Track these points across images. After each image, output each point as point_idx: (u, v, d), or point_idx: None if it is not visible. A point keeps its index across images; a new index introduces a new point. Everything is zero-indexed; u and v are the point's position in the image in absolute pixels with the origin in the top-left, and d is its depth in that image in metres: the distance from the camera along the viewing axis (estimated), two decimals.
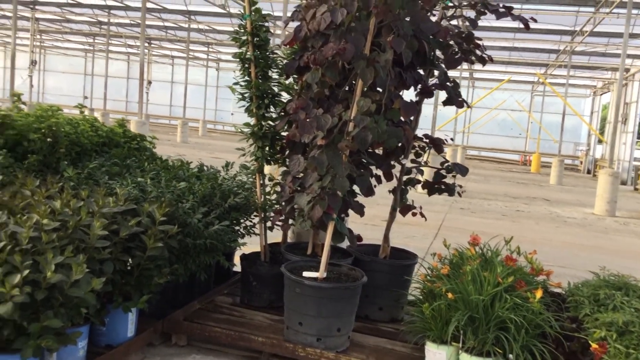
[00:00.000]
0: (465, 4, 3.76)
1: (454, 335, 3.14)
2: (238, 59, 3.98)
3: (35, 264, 2.50)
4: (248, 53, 3.94)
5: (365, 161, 3.73)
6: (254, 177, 4.24)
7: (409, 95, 3.91)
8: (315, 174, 3.48)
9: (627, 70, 25.18)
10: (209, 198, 3.86)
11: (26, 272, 2.41)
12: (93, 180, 3.68)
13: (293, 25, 3.95)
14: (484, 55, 3.83)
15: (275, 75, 4.10)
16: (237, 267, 4.56)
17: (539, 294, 3.09)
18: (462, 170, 3.77)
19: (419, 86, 3.70)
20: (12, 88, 16.54)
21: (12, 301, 2.34)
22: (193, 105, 36.25)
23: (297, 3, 3.98)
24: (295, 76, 4.20)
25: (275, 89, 4.09)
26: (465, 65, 20.82)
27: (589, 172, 31.67)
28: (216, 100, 43.10)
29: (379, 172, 4.02)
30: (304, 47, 3.87)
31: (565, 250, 8.72)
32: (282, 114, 4.15)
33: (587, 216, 13.25)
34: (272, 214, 4.12)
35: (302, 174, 3.59)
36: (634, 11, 15.83)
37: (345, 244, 3.99)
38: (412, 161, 4.16)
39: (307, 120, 3.15)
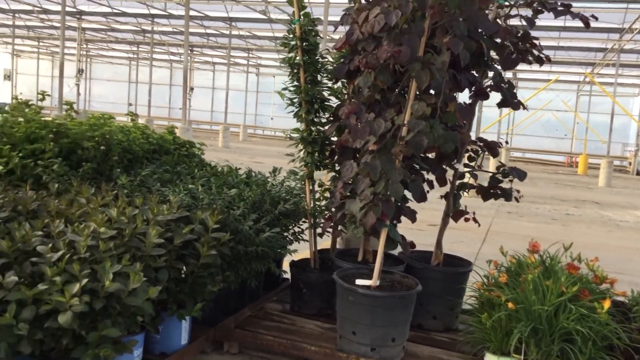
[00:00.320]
0: (521, 2, 3.63)
1: (515, 347, 3.02)
2: (287, 64, 3.94)
3: (93, 273, 2.50)
4: (297, 58, 3.90)
5: (417, 166, 3.64)
6: (302, 183, 4.20)
7: (461, 97, 3.81)
8: (367, 180, 3.41)
9: None
10: (258, 204, 3.83)
11: (85, 281, 2.41)
12: (145, 187, 3.70)
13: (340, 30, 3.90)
14: (541, 55, 3.69)
15: (324, 80, 4.05)
16: (285, 274, 4.53)
17: (607, 304, 2.95)
18: (520, 174, 3.64)
19: (474, 88, 3.59)
20: (61, 96, 16.99)
21: (72, 310, 2.35)
22: (233, 110, 36.60)
23: (339, 6, 3.93)
24: (343, 80, 4.16)
25: (325, 93, 4.04)
26: None
27: (638, 173, 30.62)
28: (256, 105, 43.44)
29: (430, 177, 3.93)
30: (354, 50, 3.81)
31: (621, 255, 8.40)
32: (331, 118, 4.10)
33: (639, 219, 12.78)
34: (322, 221, 4.06)
35: (352, 180, 3.52)
36: None
37: (396, 250, 3.91)
38: (465, 165, 4.05)
39: (360, 125, 3.08)
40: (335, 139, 4.14)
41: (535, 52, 3.70)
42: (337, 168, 4.25)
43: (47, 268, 2.44)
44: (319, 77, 3.97)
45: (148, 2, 21.99)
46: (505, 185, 3.87)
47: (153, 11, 24.54)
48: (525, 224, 10.63)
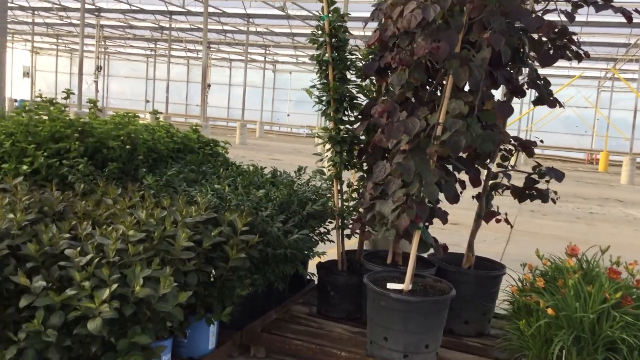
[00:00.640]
0: None
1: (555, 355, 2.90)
2: (315, 61, 3.84)
3: (123, 278, 2.42)
4: (326, 55, 3.80)
5: (450, 166, 3.53)
6: (329, 182, 4.10)
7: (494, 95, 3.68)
8: (398, 181, 3.31)
9: None
10: (286, 205, 3.74)
11: (114, 286, 2.33)
12: (171, 187, 3.62)
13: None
14: (580, 51, 3.55)
15: (352, 77, 3.94)
16: (311, 275, 4.44)
17: None
18: (558, 175, 3.50)
19: (510, 85, 3.46)
20: (80, 93, 17.05)
21: (101, 317, 2.28)
22: (250, 107, 36.58)
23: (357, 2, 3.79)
24: (372, 77, 4.05)
25: (353, 91, 3.93)
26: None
27: None
28: (272, 101, 43.42)
29: (460, 176, 3.81)
30: (385, 47, 3.70)
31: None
32: (360, 117, 3.99)
33: None
34: (351, 222, 3.96)
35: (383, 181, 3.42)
36: None
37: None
38: (498, 165, 3.92)
39: (394, 124, 2.97)
40: (362, 137, 4.04)
41: (574, 48, 3.56)
42: (365, 168, 4.15)
43: (76, 272, 2.37)
44: (347, 75, 3.86)
45: None
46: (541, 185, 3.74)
47: (171, 8, 24.54)
48: (549, 223, 10.44)
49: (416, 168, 3.07)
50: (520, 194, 3.73)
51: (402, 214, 3.16)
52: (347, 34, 3.80)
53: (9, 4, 22.96)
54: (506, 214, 4.07)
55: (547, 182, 3.68)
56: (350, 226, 3.97)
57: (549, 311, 2.99)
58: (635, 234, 10.20)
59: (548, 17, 3.48)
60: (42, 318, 2.28)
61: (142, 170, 3.76)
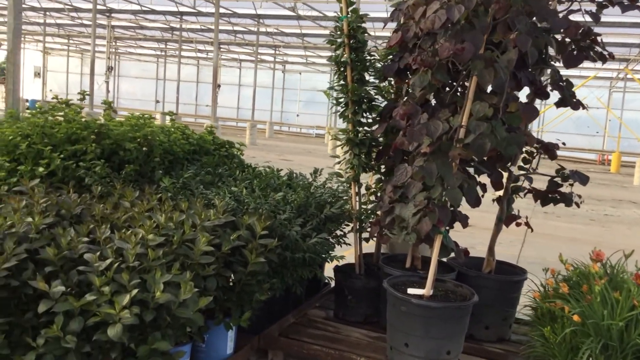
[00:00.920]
0: None
1: None
2: (333, 62, 3.79)
3: (143, 283, 2.38)
4: (344, 56, 3.74)
5: (471, 169, 3.46)
6: (346, 185, 4.04)
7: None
8: (418, 184, 3.25)
9: None
10: (303, 208, 3.69)
11: (135, 292, 2.29)
12: (188, 190, 3.58)
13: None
14: (604, 52, 3.48)
15: (370, 79, 3.89)
16: (328, 279, 4.39)
17: None
18: (582, 178, 3.43)
19: (533, 87, 3.39)
20: (92, 94, 17.08)
21: (121, 323, 2.23)
22: (259, 107, 36.59)
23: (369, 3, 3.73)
24: (390, 79, 3.99)
25: (371, 92, 3.87)
26: None
27: None
28: (282, 102, 43.41)
29: (480, 180, 3.74)
30: (404, 48, 3.65)
31: None
32: (378, 119, 3.93)
33: None
34: (369, 225, 3.90)
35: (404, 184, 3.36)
36: None
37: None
38: (519, 168, 3.85)
39: (416, 127, 2.91)
40: (380, 139, 3.99)
41: (598, 49, 3.49)
42: (383, 170, 4.09)
43: (96, 277, 2.33)
44: (366, 76, 3.81)
45: None
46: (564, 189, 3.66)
47: (182, 9, 24.58)
48: (564, 225, 10.34)
49: (438, 171, 3.01)
50: (543, 198, 3.66)
51: (423, 218, 3.10)
52: (366, 34, 3.74)
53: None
54: (527, 217, 4.01)
55: (571, 185, 3.61)
56: (368, 229, 3.91)
57: (575, 318, 2.92)
58: None
59: (571, 17, 3.41)
60: (62, 324, 2.24)
61: (159, 173, 3.72)
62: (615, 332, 2.79)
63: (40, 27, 33.02)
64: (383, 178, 4.12)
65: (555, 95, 3.70)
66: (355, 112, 3.79)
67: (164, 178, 3.52)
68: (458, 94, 3.05)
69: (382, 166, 4.07)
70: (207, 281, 2.74)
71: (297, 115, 42.99)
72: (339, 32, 3.75)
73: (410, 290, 3.27)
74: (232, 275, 2.98)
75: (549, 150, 3.65)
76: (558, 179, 3.62)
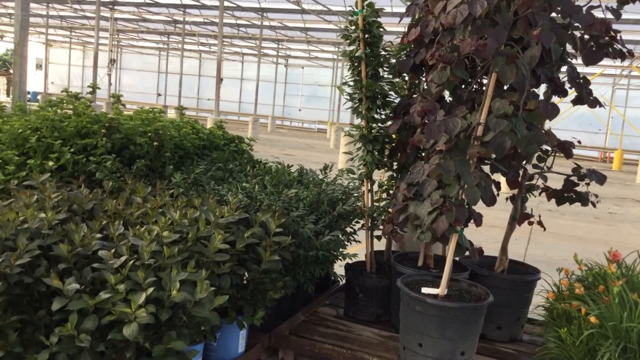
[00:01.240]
0: None
1: None
2: (347, 57, 3.73)
3: (158, 281, 2.34)
4: (359, 51, 3.69)
5: (486, 167, 3.41)
6: (360, 182, 3.99)
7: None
8: (434, 182, 3.20)
9: None
10: (315, 205, 3.65)
11: (150, 290, 2.25)
12: (200, 185, 3.54)
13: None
14: (624, 49, 3.42)
15: (384, 75, 3.83)
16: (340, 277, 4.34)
17: None
18: (600, 177, 3.38)
19: (553, 84, 3.34)
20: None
21: (137, 322, 2.19)
22: (261, 101, 36.52)
23: None
24: (404, 75, 3.94)
25: (385, 88, 3.82)
26: None
27: None
28: (284, 96, 43.31)
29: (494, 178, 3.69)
30: (420, 43, 3.59)
31: None
32: (392, 115, 3.88)
33: None
34: (382, 223, 3.86)
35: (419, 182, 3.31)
36: None
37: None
38: (534, 166, 3.80)
39: (435, 124, 2.86)
40: (393, 136, 3.94)
41: (617, 46, 3.43)
42: (395, 167, 4.05)
43: (110, 275, 2.29)
44: (380, 72, 3.75)
45: None
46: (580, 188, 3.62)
47: (185, 1, 24.49)
48: (569, 223, 10.29)
49: (456, 169, 2.96)
50: (559, 197, 3.61)
51: (440, 216, 3.06)
52: (382, 29, 3.68)
53: None
54: (539, 216, 3.97)
55: (587, 184, 3.56)
56: (381, 227, 3.87)
57: (592, 319, 2.88)
58: None
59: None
60: (76, 322, 2.19)
61: (169, 168, 3.67)
62: (635, 335, 2.74)
63: (42, 19, 32.91)
64: (395, 175, 4.07)
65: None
66: (369, 108, 3.74)
67: (175, 173, 3.47)
68: (486, 91, 2.99)
69: (395, 163, 4.03)
70: (221, 279, 2.69)
71: (299, 110, 42.90)
72: (353, 27, 3.69)
73: (425, 290, 3.23)
74: (246, 273, 2.93)
75: (565, 148, 3.60)
76: (574, 178, 3.56)
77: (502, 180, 3.87)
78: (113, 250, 2.39)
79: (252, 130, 26.39)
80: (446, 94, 3.51)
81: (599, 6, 3.36)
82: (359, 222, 4.08)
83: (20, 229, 2.44)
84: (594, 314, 2.85)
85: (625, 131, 31.20)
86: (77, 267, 2.42)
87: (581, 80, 3.56)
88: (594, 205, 3.58)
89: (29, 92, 32.45)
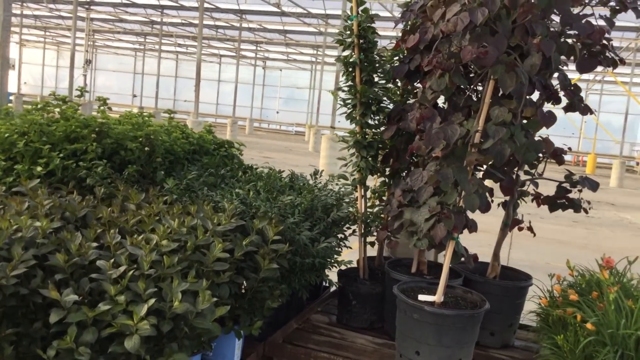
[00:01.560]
0: (595, 1, 3.40)
1: None
2: (341, 63, 3.71)
3: (158, 292, 2.28)
4: (353, 56, 3.67)
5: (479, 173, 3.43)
6: (353, 188, 3.97)
7: None
8: (430, 188, 3.20)
9: None
10: (310, 212, 3.61)
11: (152, 301, 2.19)
12: (192, 192, 3.48)
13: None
14: (615, 58, 3.46)
15: (378, 80, 3.82)
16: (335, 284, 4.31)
17: None
18: (593, 184, 3.41)
19: (547, 92, 3.36)
20: (71, 87, 16.75)
21: (138, 334, 2.14)
22: (239, 103, 36.37)
23: None
24: (396, 81, 3.94)
25: (380, 93, 3.81)
26: None
27: None
28: (262, 98, 43.21)
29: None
30: (414, 49, 3.59)
31: None
32: (384, 121, 3.87)
33: None
34: (375, 230, 3.84)
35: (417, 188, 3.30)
36: None
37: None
38: (525, 172, 3.82)
39: (434, 131, 2.85)
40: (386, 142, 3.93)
41: (609, 54, 3.47)
42: (387, 173, 4.04)
43: (110, 286, 2.23)
44: (375, 78, 3.74)
45: None
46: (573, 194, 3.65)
47: (163, 2, 24.26)
48: (549, 227, 10.42)
49: (455, 177, 2.96)
50: (552, 203, 3.63)
51: (437, 223, 3.05)
52: (377, 34, 3.67)
53: None
54: (530, 222, 4.01)
55: (580, 191, 3.59)
56: (375, 234, 3.85)
57: (589, 326, 2.90)
58: (633, 239, 10.22)
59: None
60: (75, 335, 2.13)
61: (160, 173, 3.61)
62: (632, 342, 2.76)
63: (16, 19, 32.29)
64: (387, 181, 4.06)
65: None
66: (364, 114, 3.72)
67: (167, 179, 3.41)
68: (483, 98, 2.99)
69: (387, 169, 4.02)
70: (220, 289, 2.65)
71: (277, 112, 42.85)
72: (348, 32, 3.68)
73: (421, 297, 3.22)
74: (245, 282, 2.88)
75: (557, 155, 3.63)
76: (567, 185, 3.59)
77: (494, 186, 3.89)
78: (112, 260, 2.33)
79: (231, 132, 26.27)
80: (440, 99, 3.52)
81: (592, 14, 3.40)
82: (349, 228, 4.06)
83: (14, 238, 2.36)
84: (592, 321, 2.87)
85: (598, 135, 31.81)
86: (74, 278, 2.36)
87: (572, 88, 3.60)
88: (586, 211, 3.62)
89: None
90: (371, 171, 3.83)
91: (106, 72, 45.78)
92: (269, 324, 3.55)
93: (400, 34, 3.74)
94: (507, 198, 3.83)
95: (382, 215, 3.99)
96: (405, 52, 3.81)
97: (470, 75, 3.52)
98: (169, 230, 2.56)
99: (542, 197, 3.70)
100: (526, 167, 3.83)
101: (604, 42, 3.44)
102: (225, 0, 23.21)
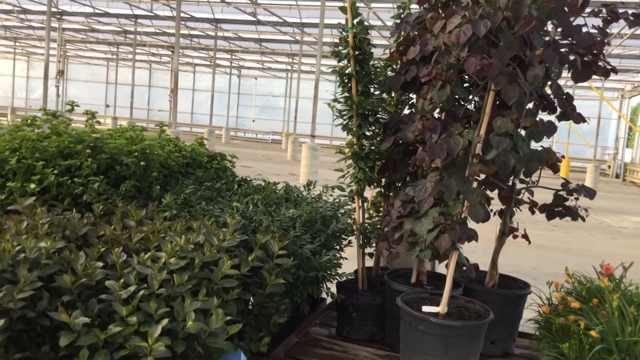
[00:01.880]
0: (587, 11, 3.45)
1: None
2: (337, 74, 3.71)
3: (170, 312, 2.23)
4: (349, 68, 3.67)
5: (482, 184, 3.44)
6: (349, 199, 3.96)
7: None
8: (430, 199, 3.20)
9: None
10: (309, 224, 3.59)
11: (165, 322, 2.14)
12: (190, 206, 3.43)
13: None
14: (608, 67, 3.52)
15: (375, 92, 3.82)
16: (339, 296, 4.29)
17: None
18: (590, 192, 3.45)
19: (544, 102, 3.40)
20: (46, 98, 16.46)
21: (152, 355, 2.08)
22: (215, 112, 36.14)
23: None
24: (391, 91, 3.94)
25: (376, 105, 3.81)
26: None
27: (617, 176, 31.08)
28: (237, 107, 43.01)
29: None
30: (411, 61, 3.60)
31: (637, 266, 8.35)
32: (378, 131, 3.87)
33: (637, 225, 12.82)
34: (374, 241, 3.83)
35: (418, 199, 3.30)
36: None
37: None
38: (520, 181, 3.86)
39: (437, 142, 2.86)
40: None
41: (601, 64, 3.52)
42: (383, 184, 4.04)
43: (121, 307, 2.17)
44: (371, 89, 3.74)
45: (134, 2, 21.50)
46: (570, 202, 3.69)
47: (137, 12, 24.04)
48: (530, 231, 10.49)
49: (458, 188, 2.97)
50: (549, 211, 3.67)
51: (441, 234, 3.05)
52: (373, 46, 3.67)
53: None
54: (525, 230, 4.04)
55: (577, 199, 3.63)
56: (374, 245, 3.84)
57: (593, 333, 2.92)
58: (613, 242, 10.40)
59: None
60: (87, 358, 2.07)
61: (156, 188, 3.55)
62: (638, 349, 2.79)
63: None
64: (383, 192, 4.06)
65: None
66: (361, 125, 3.72)
67: (166, 194, 3.36)
68: (484, 109, 3.01)
69: (382, 180, 4.01)
70: (228, 306, 2.60)
71: (253, 121, 42.70)
72: (344, 43, 3.67)
73: (425, 308, 3.22)
74: (252, 298, 2.84)
75: (553, 164, 3.66)
76: (564, 193, 3.63)
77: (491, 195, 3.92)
78: (122, 281, 2.27)
79: (208, 142, 26.04)
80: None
81: (585, 25, 3.45)
82: (345, 239, 4.05)
83: (18, 259, 2.29)
84: (598, 329, 2.89)
85: (571, 140, 32.31)
86: (81, 299, 2.29)
87: (565, 97, 3.65)
88: (583, 219, 3.66)
89: None
90: (369, 182, 3.83)
91: (78, 83, 45.08)
92: (273, 339, 3.50)
93: (390, 43, 3.76)
94: (503, 207, 3.86)
95: (378, 227, 3.98)
96: (399, 62, 3.83)
97: (465, 86, 3.55)
98: (176, 247, 2.51)
99: (538, 205, 3.73)
100: (521, 176, 3.87)
101: (595, 52, 3.50)
102: (201, 10, 23.10)
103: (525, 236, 4.03)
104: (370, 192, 4.16)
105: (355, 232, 3.90)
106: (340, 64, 3.72)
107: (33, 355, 2.20)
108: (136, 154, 3.51)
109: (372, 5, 18.73)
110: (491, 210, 3.59)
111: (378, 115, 3.79)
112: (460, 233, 2.98)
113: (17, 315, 2.12)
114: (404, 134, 3.59)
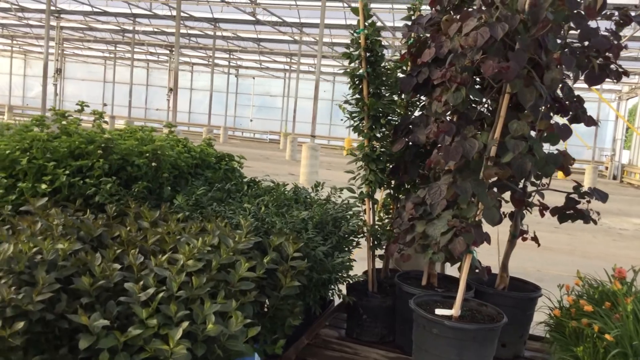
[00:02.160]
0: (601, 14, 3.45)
1: None
2: (349, 76, 3.69)
3: (189, 314, 2.22)
4: (361, 69, 3.66)
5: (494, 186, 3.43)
6: (360, 201, 3.95)
7: None
8: (443, 201, 3.19)
9: None
10: (321, 226, 3.58)
11: (185, 324, 2.13)
12: (202, 207, 3.41)
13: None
14: (620, 70, 3.51)
15: (386, 93, 3.81)
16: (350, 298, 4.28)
17: None
18: (602, 196, 3.45)
19: (557, 104, 3.39)
20: (45, 97, 16.40)
21: (173, 358, 2.07)
22: (213, 111, 36.10)
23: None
24: (401, 93, 3.94)
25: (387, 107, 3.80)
26: None
27: (614, 178, 31.15)
28: (235, 106, 42.97)
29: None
30: (423, 63, 3.59)
31: None
32: (388, 133, 3.86)
33: (637, 227, 12.85)
34: (385, 243, 3.83)
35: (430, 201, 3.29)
36: None
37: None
38: (531, 183, 3.85)
39: (453, 145, 2.85)
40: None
41: (614, 67, 3.52)
42: (393, 185, 4.03)
43: (141, 309, 2.15)
44: (382, 91, 3.73)
45: (133, 1, 21.45)
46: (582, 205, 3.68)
47: (135, 10, 23.99)
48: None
49: (473, 191, 2.96)
50: (561, 214, 3.66)
51: (455, 237, 3.04)
52: (385, 48, 3.66)
53: None
54: (534, 232, 4.04)
55: (589, 202, 3.63)
56: (385, 247, 3.83)
57: (608, 337, 2.92)
58: (615, 243, 10.41)
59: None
60: None
61: (167, 189, 3.53)
62: None
63: None
64: (393, 193, 4.05)
65: None
66: (372, 127, 3.71)
67: (177, 195, 3.34)
68: (499, 112, 3.00)
69: (392, 181, 4.01)
70: (245, 308, 2.59)
71: (251, 121, 42.67)
72: (355, 45, 3.66)
73: (438, 311, 3.20)
74: (267, 300, 2.83)
75: (564, 167, 3.66)
76: (575, 196, 3.63)
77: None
78: (142, 283, 2.26)
79: (216, 142, 26.01)
80: None
81: (598, 28, 3.45)
82: (354, 240, 4.04)
83: (36, 261, 2.27)
84: (613, 333, 2.89)
85: (569, 141, 32.40)
86: (100, 301, 2.28)
87: (576, 99, 3.64)
88: (595, 222, 3.65)
89: None
90: (379, 184, 3.82)
91: (75, 81, 44.96)
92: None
93: (396, 45, 3.74)
94: (514, 209, 3.86)
95: (388, 228, 3.97)
96: (410, 64, 3.82)
97: (476, 87, 3.54)
98: (194, 249, 2.49)
99: (549, 208, 3.72)
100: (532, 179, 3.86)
101: (606, 55, 3.49)
102: (200, 9, 23.07)
103: (535, 238, 4.03)
104: (380, 194, 4.15)
105: (365, 234, 3.89)
106: (351, 65, 3.71)
107: (51, 357, 2.18)
108: (147, 154, 3.49)
109: (372, 5, 18.73)
110: (503, 213, 3.59)
111: (389, 117, 3.78)
112: (475, 236, 2.97)
113: (36, 317, 2.10)
114: (416, 136, 3.58)
